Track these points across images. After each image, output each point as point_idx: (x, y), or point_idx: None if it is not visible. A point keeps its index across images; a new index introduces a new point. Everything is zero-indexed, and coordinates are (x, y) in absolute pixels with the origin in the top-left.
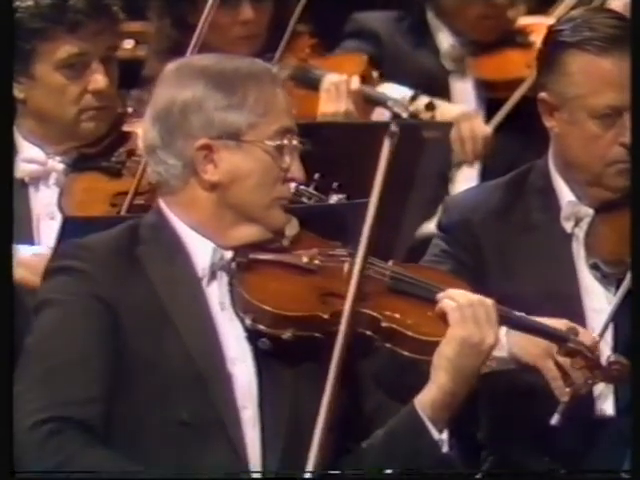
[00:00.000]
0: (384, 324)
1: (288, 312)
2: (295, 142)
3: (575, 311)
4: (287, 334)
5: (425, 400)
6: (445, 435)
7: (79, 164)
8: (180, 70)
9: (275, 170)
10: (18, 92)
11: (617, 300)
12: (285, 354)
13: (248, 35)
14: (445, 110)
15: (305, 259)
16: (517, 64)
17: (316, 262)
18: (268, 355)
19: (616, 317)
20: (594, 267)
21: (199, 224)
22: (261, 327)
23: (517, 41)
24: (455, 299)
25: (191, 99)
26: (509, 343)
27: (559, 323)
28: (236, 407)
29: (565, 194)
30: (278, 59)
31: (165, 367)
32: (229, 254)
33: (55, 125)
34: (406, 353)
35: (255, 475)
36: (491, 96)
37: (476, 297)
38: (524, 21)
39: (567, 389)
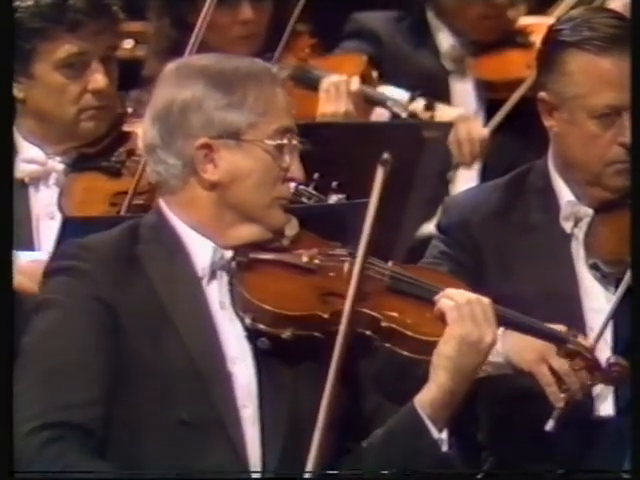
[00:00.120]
0: (384, 324)
1: (288, 311)
2: (295, 142)
3: (574, 311)
4: (287, 333)
5: (425, 399)
6: (445, 434)
7: (79, 164)
8: (180, 70)
9: (275, 170)
10: (18, 92)
11: (616, 299)
12: (285, 353)
13: (247, 35)
14: (443, 112)
15: (305, 259)
16: (517, 64)
17: (316, 262)
18: (268, 354)
19: (616, 316)
20: (594, 267)
21: (199, 224)
22: (261, 326)
23: (517, 41)
24: (453, 298)
25: (191, 99)
26: (504, 348)
27: (557, 327)
28: (236, 406)
29: (564, 194)
30: (277, 59)
31: (165, 367)
32: (229, 253)
33: (55, 125)
34: (406, 353)
35: (255, 475)
36: (491, 96)
37: (473, 296)
38: (524, 21)
39: (562, 395)
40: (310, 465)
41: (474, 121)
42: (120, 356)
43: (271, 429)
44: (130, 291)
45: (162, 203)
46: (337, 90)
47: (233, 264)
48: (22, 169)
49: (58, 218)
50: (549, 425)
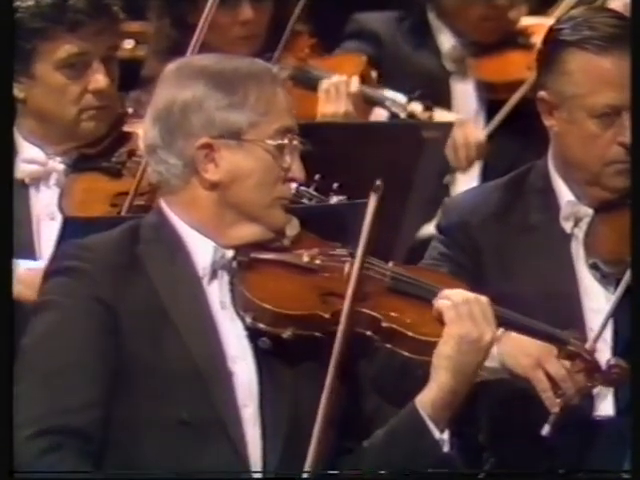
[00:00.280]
0: (384, 324)
1: (288, 311)
2: (296, 142)
3: (574, 311)
4: (287, 333)
5: (426, 399)
6: (446, 435)
7: (79, 164)
8: (180, 70)
9: (276, 169)
10: (18, 92)
11: (615, 298)
12: (285, 353)
13: (248, 35)
14: (439, 117)
15: (306, 259)
16: (518, 66)
17: (317, 262)
18: (268, 354)
19: (615, 316)
20: (593, 267)
21: (200, 223)
22: (261, 326)
23: (518, 42)
24: (450, 298)
25: (191, 99)
26: (500, 353)
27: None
28: (237, 406)
29: (564, 194)
30: (277, 59)
31: (165, 366)
32: (230, 253)
33: (55, 125)
34: (406, 353)
35: (255, 475)
36: (492, 97)
37: (471, 295)
38: (525, 22)
39: (558, 400)
40: (308, 464)
41: (470, 125)
42: (120, 356)
43: (272, 429)
44: (130, 291)
45: (163, 203)
46: (337, 91)
47: (234, 264)
48: (22, 169)
49: (58, 219)
50: (545, 430)
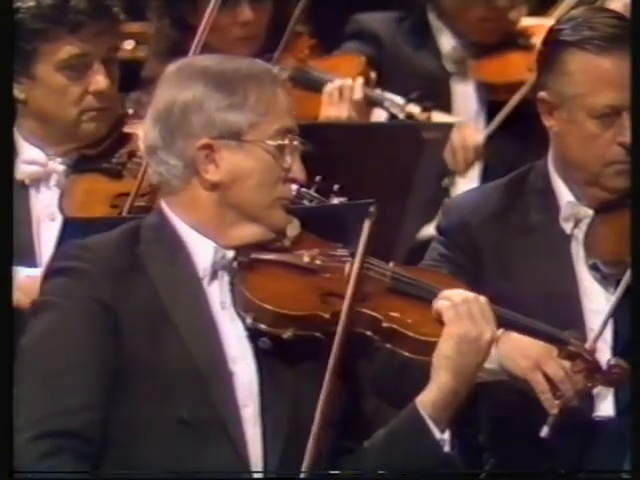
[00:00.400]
0: (385, 324)
1: (289, 311)
2: (296, 142)
3: (574, 312)
4: (288, 333)
5: (426, 400)
6: (447, 435)
7: (80, 165)
8: (181, 71)
9: (276, 170)
10: (19, 92)
11: (615, 299)
12: (286, 353)
13: (247, 36)
14: (437, 119)
15: (306, 259)
16: (518, 67)
17: (317, 262)
18: (269, 354)
19: (615, 316)
20: (593, 268)
21: (200, 224)
22: (262, 326)
23: (519, 43)
24: (449, 298)
25: (192, 99)
26: (499, 355)
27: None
28: (237, 406)
29: (564, 195)
30: (277, 59)
31: (165, 367)
32: (230, 253)
33: (56, 126)
34: (406, 353)
35: (256, 475)
36: (492, 98)
37: (470, 294)
38: (525, 23)
39: (556, 401)
40: (305, 464)
41: (468, 128)
42: (120, 357)
43: (272, 429)
44: (131, 291)
45: (163, 204)
46: (341, 95)
47: (234, 264)
48: (23, 170)
49: (59, 219)
50: (544, 431)
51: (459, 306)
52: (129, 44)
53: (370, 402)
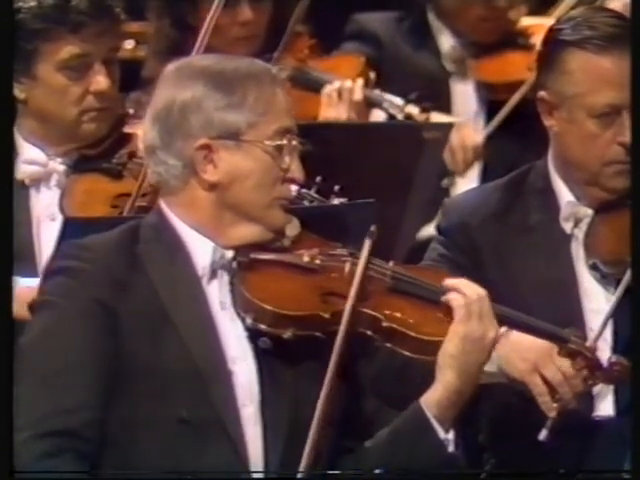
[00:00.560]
0: (385, 324)
1: (289, 311)
2: (295, 142)
3: (574, 312)
4: (288, 333)
5: (431, 399)
6: (451, 435)
7: (80, 165)
8: (180, 70)
9: (275, 170)
10: (19, 92)
11: (615, 299)
12: (286, 353)
13: (247, 36)
14: (436, 119)
15: (306, 259)
16: (518, 66)
17: (317, 262)
18: (269, 354)
19: (615, 316)
20: (593, 267)
21: (199, 224)
22: (262, 326)
23: (518, 43)
24: (462, 292)
25: (190, 99)
26: (497, 357)
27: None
28: (236, 405)
29: (564, 195)
30: (277, 59)
31: (165, 366)
32: (230, 253)
33: (56, 126)
34: (407, 353)
35: (255, 475)
36: (492, 98)
37: (481, 291)
38: (525, 22)
39: (554, 404)
40: (303, 464)
41: (468, 129)
42: (119, 357)
43: (272, 429)
44: (130, 291)
45: (163, 204)
46: (340, 96)
47: (234, 264)
48: (23, 170)
49: (59, 220)
50: (542, 435)
51: (472, 304)
52: (129, 44)
53: (371, 402)
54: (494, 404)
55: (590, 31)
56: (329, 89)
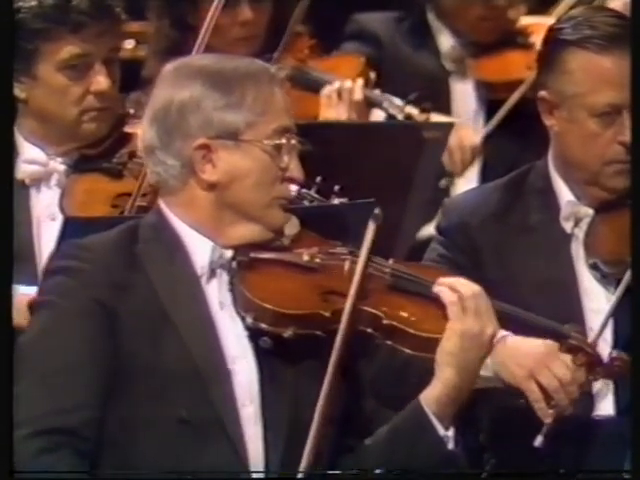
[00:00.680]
0: (385, 321)
1: (289, 310)
2: (294, 141)
3: (574, 311)
4: (288, 332)
5: (430, 396)
6: (451, 432)
7: (80, 165)
8: (178, 70)
9: (274, 169)
10: (20, 92)
11: (615, 298)
12: (286, 352)
13: (247, 36)
14: (435, 120)
15: (306, 257)
16: (517, 65)
17: (317, 260)
18: (269, 354)
19: (615, 316)
20: (594, 267)
21: (198, 224)
22: (262, 326)
23: (518, 42)
24: (455, 290)
25: (189, 99)
26: (494, 363)
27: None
28: (235, 405)
29: (565, 194)
30: (277, 60)
31: (164, 366)
32: (229, 253)
33: (56, 126)
34: (407, 350)
35: (255, 475)
36: (492, 97)
37: (476, 287)
38: (525, 21)
39: (550, 411)
40: (303, 463)
41: (466, 129)
42: (118, 357)
43: (273, 428)
44: (129, 291)
45: (162, 203)
46: (339, 97)
47: (233, 264)
48: (23, 170)
49: (59, 219)
50: (538, 441)
51: (466, 301)
52: (129, 44)
53: (370, 400)
54: (495, 404)
55: (591, 30)
56: (328, 90)
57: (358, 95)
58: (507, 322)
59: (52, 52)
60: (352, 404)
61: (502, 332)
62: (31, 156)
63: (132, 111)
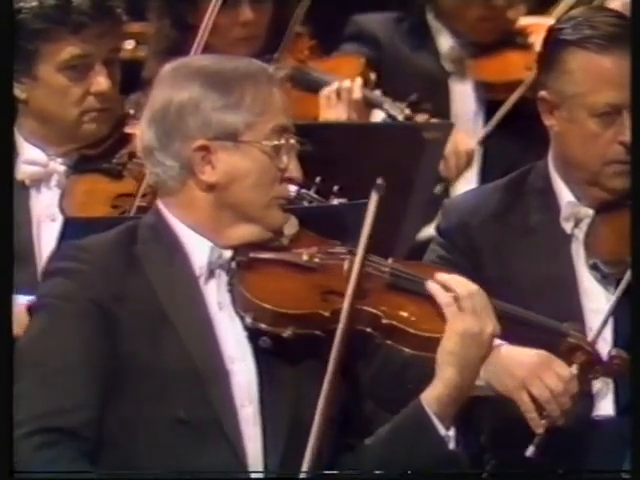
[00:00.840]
0: (384, 321)
1: (288, 310)
2: (292, 141)
3: (574, 312)
4: (288, 332)
5: (431, 396)
6: (452, 432)
7: (80, 166)
8: (176, 71)
9: (273, 170)
10: (20, 92)
11: (615, 298)
12: (286, 352)
13: (247, 36)
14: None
15: (305, 257)
16: (517, 66)
17: (316, 260)
18: (269, 354)
19: (615, 316)
20: (594, 267)
21: (197, 224)
22: (262, 326)
23: (517, 42)
24: (451, 289)
25: (187, 100)
26: (486, 372)
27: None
28: (234, 405)
29: (565, 195)
30: (277, 60)
31: (163, 366)
32: (228, 253)
33: (56, 126)
34: (407, 350)
35: (255, 475)
36: (491, 98)
37: (473, 287)
38: (524, 21)
39: (542, 421)
40: (306, 463)
41: (460, 134)
42: (117, 357)
43: (273, 429)
44: (128, 292)
45: (160, 204)
46: (338, 97)
47: (233, 264)
48: (23, 171)
49: (59, 220)
50: (529, 451)
51: (463, 301)
52: (129, 44)
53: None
54: (495, 405)
55: (591, 30)
56: (327, 90)
57: (357, 94)
58: (506, 321)
59: (53, 53)
60: (352, 404)
61: (497, 341)
62: (31, 157)
63: (132, 112)
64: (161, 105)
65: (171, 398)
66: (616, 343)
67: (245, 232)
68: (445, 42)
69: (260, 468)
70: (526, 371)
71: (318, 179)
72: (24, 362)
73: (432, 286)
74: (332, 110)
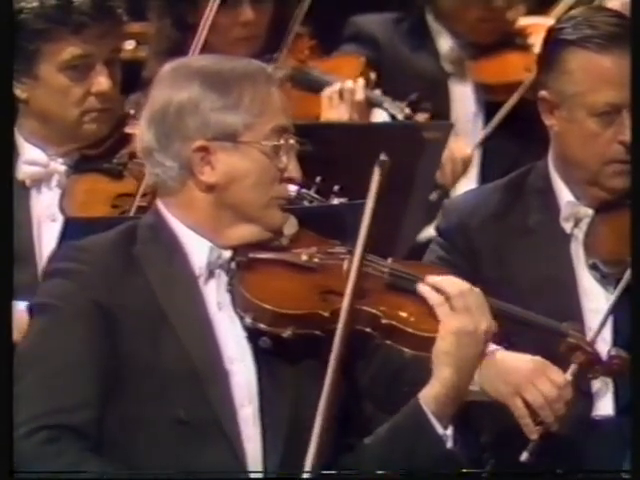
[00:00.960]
0: (384, 321)
1: (288, 310)
2: (292, 141)
3: (574, 312)
4: (287, 332)
5: (429, 395)
6: (450, 431)
7: (81, 165)
8: (176, 71)
9: (272, 170)
10: (21, 92)
11: (615, 297)
12: (286, 352)
13: (248, 36)
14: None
15: (304, 257)
16: (516, 67)
17: (315, 260)
18: (268, 354)
19: (615, 316)
20: (593, 267)
21: (197, 225)
22: (261, 326)
23: (516, 43)
24: (442, 290)
25: (187, 100)
26: (480, 377)
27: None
28: (233, 405)
29: (564, 195)
30: (277, 60)
31: (163, 367)
32: (227, 253)
33: (57, 126)
34: (406, 349)
35: (254, 475)
36: (490, 99)
37: (464, 285)
38: (524, 22)
39: (536, 427)
40: (308, 464)
41: (458, 140)
42: (117, 357)
43: (272, 429)
44: (128, 292)
45: (160, 204)
46: (341, 97)
47: (232, 264)
48: (24, 171)
49: (59, 220)
50: (524, 457)
51: (454, 300)
52: (130, 44)
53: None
54: (494, 405)
55: (591, 30)
56: (329, 91)
57: (359, 95)
58: (505, 321)
59: (53, 53)
60: (352, 403)
61: (492, 346)
62: (32, 157)
63: (132, 112)
64: (160, 105)
65: (171, 398)
66: (615, 343)
67: (245, 232)
68: (445, 43)
69: (260, 468)
70: (520, 377)
71: (318, 179)
72: (24, 362)
73: (422, 288)
74: (334, 110)
